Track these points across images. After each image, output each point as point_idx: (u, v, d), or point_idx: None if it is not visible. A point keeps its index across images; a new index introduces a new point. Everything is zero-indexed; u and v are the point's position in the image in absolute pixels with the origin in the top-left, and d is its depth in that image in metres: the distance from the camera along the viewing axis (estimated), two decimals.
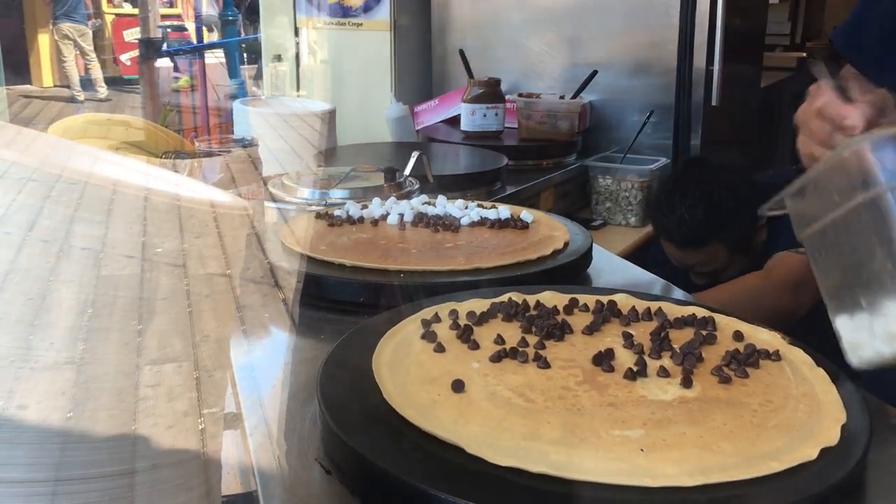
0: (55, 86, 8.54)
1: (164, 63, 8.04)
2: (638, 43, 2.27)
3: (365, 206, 1.22)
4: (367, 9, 2.45)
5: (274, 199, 1.37)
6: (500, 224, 1.16)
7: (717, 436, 0.61)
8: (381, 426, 0.63)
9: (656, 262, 1.81)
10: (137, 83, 8.07)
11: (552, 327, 0.79)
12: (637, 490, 0.55)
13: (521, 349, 0.75)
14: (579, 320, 0.83)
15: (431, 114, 2.43)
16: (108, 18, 9.43)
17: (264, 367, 0.87)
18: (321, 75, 2.57)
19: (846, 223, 0.69)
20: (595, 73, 2.27)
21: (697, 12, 2.15)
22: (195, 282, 0.46)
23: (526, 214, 1.20)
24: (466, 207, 1.23)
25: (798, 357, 0.75)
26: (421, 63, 2.61)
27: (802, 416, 0.65)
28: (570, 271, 1.05)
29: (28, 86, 8.34)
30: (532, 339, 0.77)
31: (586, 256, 1.09)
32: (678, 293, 1.07)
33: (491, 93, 2.22)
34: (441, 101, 2.43)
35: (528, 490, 0.56)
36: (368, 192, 1.36)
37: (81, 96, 8.05)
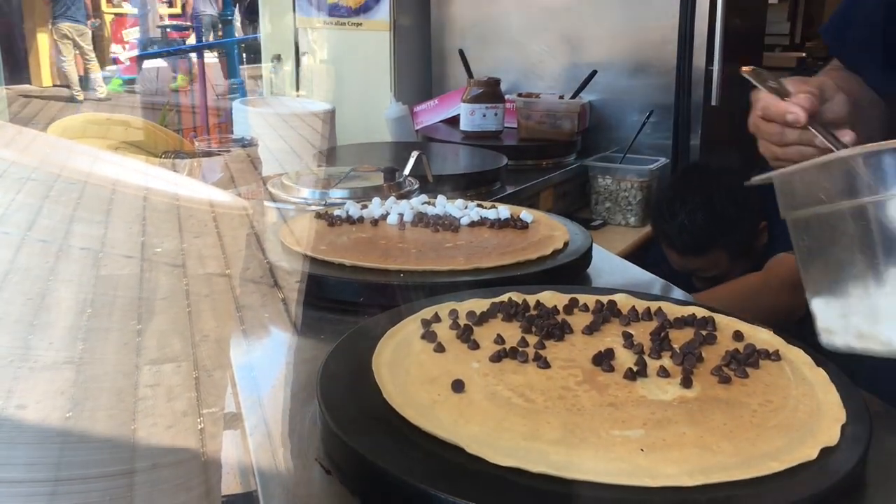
0: (54, 85, 8.54)
1: (161, 63, 8.05)
2: (638, 43, 2.27)
3: (365, 206, 1.22)
4: (366, 9, 2.45)
5: (273, 198, 1.37)
6: (499, 224, 1.16)
7: (717, 436, 0.61)
8: (381, 426, 0.63)
9: (656, 262, 1.81)
10: (136, 83, 8.07)
11: (552, 327, 0.79)
12: (637, 490, 0.55)
13: (520, 349, 0.75)
14: (579, 320, 0.83)
15: (431, 114, 2.43)
16: (108, 18, 9.43)
17: (264, 367, 0.87)
18: (321, 75, 2.57)
19: (831, 222, 0.70)
20: (595, 72, 2.27)
21: (697, 12, 2.15)
22: (194, 282, 0.46)
23: (526, 214, 1.20)
24: (466, 207, 1.23)
25: (798, 357, 0.75)
26: (420, 63, 2.61)
27: (802, 416, 0.65)
28: (570, 271, 1.05)
29: (27, 85, 8.33)
30: (532, 339, 0.77)
31: (586, 256, 1.09)
32: (678, 293, 1.07)
33: (490, 93, 2.22)
34: (441, 101, 2.44)
35: (528, 490, 0.56)
36: (368, 192, 1.36)
37: (81, 96, 8.05)
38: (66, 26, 7.99)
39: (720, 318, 0.83)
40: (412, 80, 2.56)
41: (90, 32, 8.38)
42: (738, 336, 0.79)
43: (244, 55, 7.13)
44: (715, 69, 2.15)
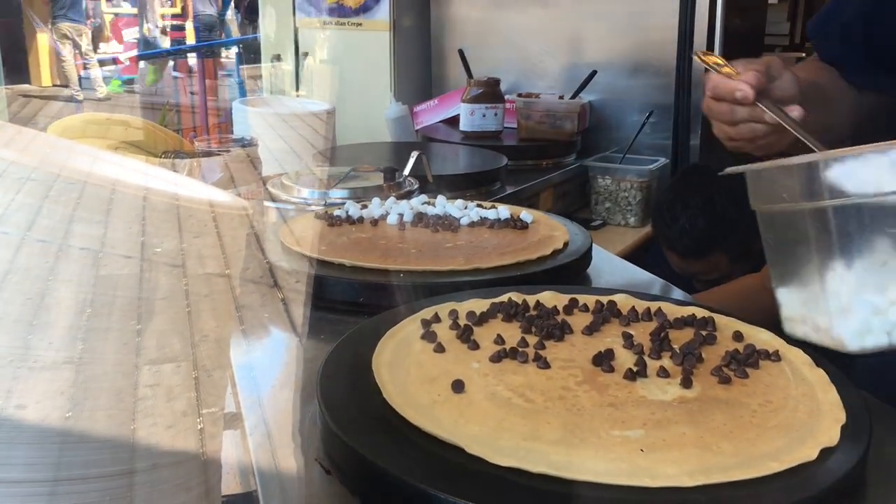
0: (54, 85, 8.53)
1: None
2: (638, 43, 2.27)
3: (364, 206, 1.22)
4: (366, 9, 2.45)
5: (273, 198, 1.36)
6: (499, 224, 1.16)
7: (717, 436, 0.61)
8: (381, 426, 0.63)
9: (656, 262, 1.81)
10: (136, 83, 8.07)
11: (552, 327, 0.79)
12: (637, 490, 0.55)
13: (520, 349, 0.75)
14: (579, 320, 0.83)
15: (431, 114, 2.43)
16: (107, 18, 9.43)
17: (264, 367, 0.87)
18: (321, 75, 2.57)
19: (793, 220, 0.72)
20: (594, 73, 2.27)
21: (697, 12, 2.15)
22: (194, 281, 0.46)
23: (525, 214, 1.19)
24: (466, 207, 1.23)
25: (798, 357, 0.75)
26: (420, 63, 2.61)
27: (802, 416, 0.65)
28: (570, 271, 1.05)
29: (27, 85, 8.33)
30: (532, 340, 0.77)
31: (586, 256, 1.09)
32: (678, 293, 1.07)
33: (490, 93, 2.22)
34: (440, 101, 2.43)
35: (528, 490, 0.56)
36: (368, 192, 1.36)
37: (80, 96, 8.04)
38: (65, 26, 7.99)
39: (720, 319, 0.83)
40: (412, 80, 2.56)
41: (90, 32, 8.38)
42: (737, 336, 0.79)
43: (243, 55, 7.12)
44: None
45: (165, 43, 8.48)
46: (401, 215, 1.17)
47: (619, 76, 2.30)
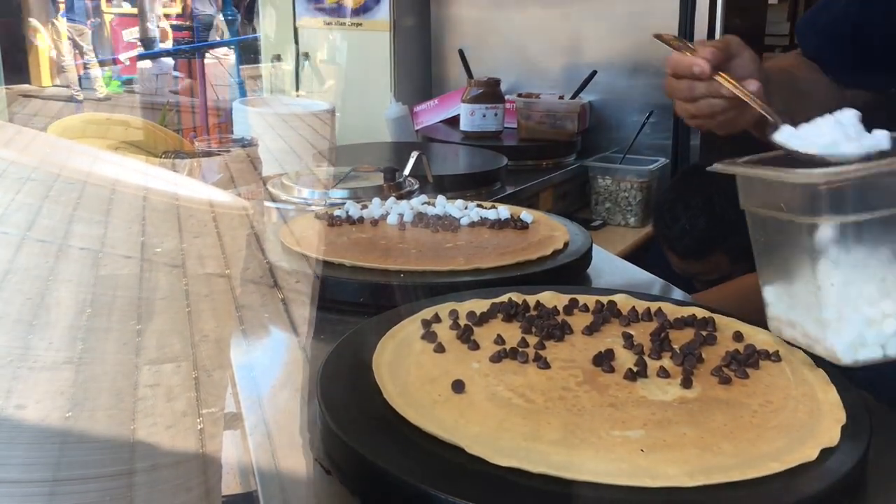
0: (54, 85, 8.53)
1: (161, 63, 8.03)
2: (638, 43, 2.27)
3: (365, 206, 1.22)
4: (366, 9, 2.45)
5: (273, 199, 1.36)
6: (499, 224, 1.16)
7: (718, 436, 0.61)
8: (382, 426, 0.63)
9: (656, 262, 1.81)
10: (135, 83, 8.06)
11: (552, 328, 0.79)
12: (637, 490, 0.55)
13: (521, 349, 0.75)
14: (579, 321, 0.83)
15: (431, 114, 2.43)
16: (108, 18, 9.42)
17: (264, 367, 0.87)
18: (321, 75, 2.57)
19: (788, 229, 0.71)
20: (595, 73, 2.27)
21: (697, 12, 2.15)
22: (194, 282, 0.46)
23: (526, 215, 1.19)
24: (466, 207, 1.23)
25: (798, 358, 0.75)
26: (420, 63, 2.61)
27: (802, 416, 0.65)
28: (570, 272, 1.05)
29: (27, 85, 8.33)
30: (532, 340, 0.77)
31: (586, 257, 1.09)
32: (678, 294, 1.07)
33: (490, 93, 2.22)
34: (440, 102, 2.43)
35: (528, 490, 0.55)
36: (368, 192, 1.36)
37: (80, 96, 8.04)
38: (65, 26, 7.99)
39: (720, 319, 0.83)
40: (412, 80, 2.56)
41: (90, 32, 8.38)
42: (738, 337, 0.79)
43: (243, 55, 7.11)
44: None
45: (166, 43, 8.48)
46: (401, 215, 1.17)
47: (619, 76, 2.30)
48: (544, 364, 0.72)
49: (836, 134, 0.71)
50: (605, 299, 0.87)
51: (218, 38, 7.63)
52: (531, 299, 0.87)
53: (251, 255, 1.01)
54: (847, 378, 0.71)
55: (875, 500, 0.60)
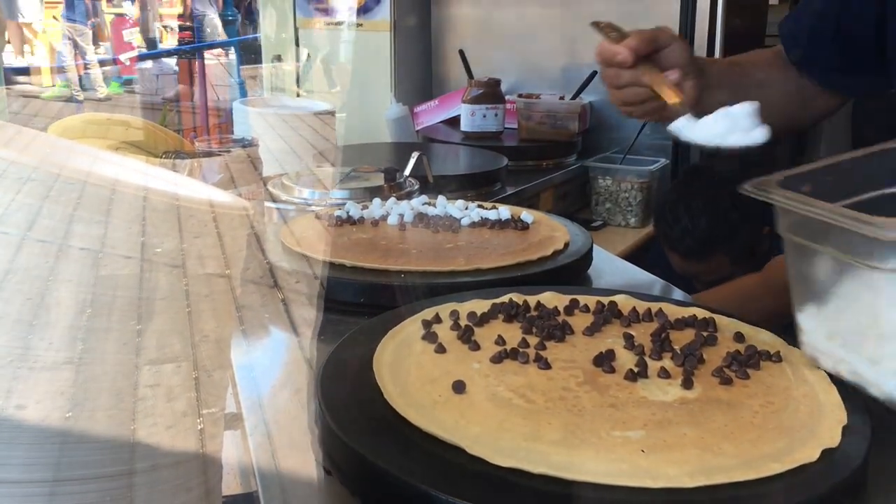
0: (54, 85, 8.53)
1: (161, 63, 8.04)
2: None
3: (365, 207, 1.22)
4: (366, 9, 2.45)
5: (274, 199, 1.36)
6: (500, 225, 1.16)
7: (718, 437, 0.61)
8: (382, 427, 0.63)
9: (656, 262, 1.81)
10: (135, 83, 8.06)
11: (553, 328, 0.79)
12: (638, 491, 0.55)
13: (521, 350, 0.75)
14: (580, 321, 0.82)
15: (431, 114, 2.43)
16: (108, 18, 9.43)
17: (264, 367, 0.87)
18: (321, 75, 2.57)
19: (839, 268, 0.66)
20: (595, 73, 2.26)
21: (697, 12, 2.15)
22: (194, 282, 0.46)
23: (526, 215, 1.19)
24: (466, 208, 1.23)
25: (799, 358, 0.74)
26: (421, 63, 2.61)
27: (803, 417, 0.65)
28: (571, 272, 1.05)
29: (27, 85, 8.33)
30: (533, 340, 0.77)
31: (587, 257, 1.09)
32: (678, 294, 1.07)
33: (491, 93, 2.22)
34: (441, 102, 2.44)
35: (528, 491, 0.55)
36: (368, 193, 1.36)
37: (80, 96, 8.04)
38: (65, 26, 7.99)
39: (721, 320, 0.83)
40: (412, 81, 2.56)
41: (90, 32, 8.38)
42: (738, 337, 0.79)
43: (242, 55, 7.11)
44: None
45: (166, 43, 8.49)
46: (401, 216, 1.17)
47: None
48: (545, 364, 0.72)
49: (727, 125, 0.71)
50: (605, 300, 0.87)
51: (218, 39, 7.63)
52: (532, 300, 0.87)
53: (251, 255, 1.01)
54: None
55: (876, 501, 0.60)
